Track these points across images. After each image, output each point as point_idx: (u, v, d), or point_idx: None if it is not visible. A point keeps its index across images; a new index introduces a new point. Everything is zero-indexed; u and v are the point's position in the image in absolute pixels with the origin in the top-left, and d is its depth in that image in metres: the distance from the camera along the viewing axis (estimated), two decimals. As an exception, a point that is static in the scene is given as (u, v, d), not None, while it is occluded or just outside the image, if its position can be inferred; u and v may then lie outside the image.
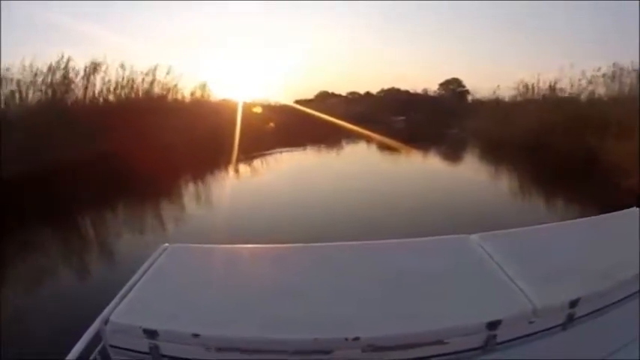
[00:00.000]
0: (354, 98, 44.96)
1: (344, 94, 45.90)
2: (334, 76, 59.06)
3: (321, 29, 56.30)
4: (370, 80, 59.75)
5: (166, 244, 1.56)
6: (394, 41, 57.38)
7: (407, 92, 41.73)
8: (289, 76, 42.25)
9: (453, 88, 44.72)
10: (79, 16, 32.09)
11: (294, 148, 19.59)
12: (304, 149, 20.36)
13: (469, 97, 43.55)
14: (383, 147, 21.05)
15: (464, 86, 44.42)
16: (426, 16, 56.65)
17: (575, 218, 2.11)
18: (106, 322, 1.12)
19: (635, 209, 1.89)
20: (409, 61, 56.93)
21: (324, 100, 39.88)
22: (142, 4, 41.13)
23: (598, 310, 1.27)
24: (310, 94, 40.43)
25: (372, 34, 57.28)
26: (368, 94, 46.46)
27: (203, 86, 21.62)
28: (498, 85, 24.28)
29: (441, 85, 45.21)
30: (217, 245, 1.63)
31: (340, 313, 1.13)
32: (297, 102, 31.35)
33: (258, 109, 24.56)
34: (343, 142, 23.33)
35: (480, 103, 29.22)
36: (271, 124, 23.62)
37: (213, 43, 45.47)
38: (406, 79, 60.80)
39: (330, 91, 43.31)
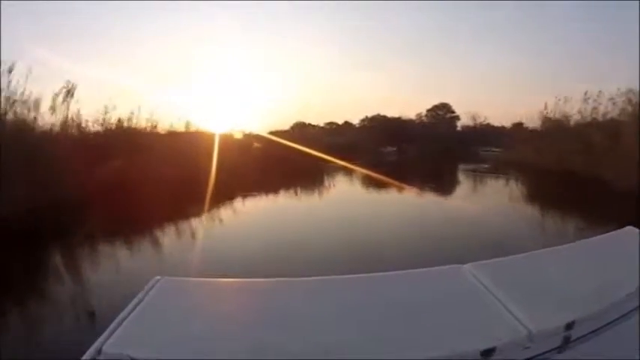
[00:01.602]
0: (332, 129, 40.44)
1: (321, 124, 41.16)
2: (309, 105, 54.37)
3: (293, 57, 52.27)
4: (349, 109, 55.48)
5: (158, 277, 1.48)
6: (373, 66, 53.57)
7: (398, 119, 37.20)
8: (261, 107, 37.67)
9: (442, 114, 40.85)
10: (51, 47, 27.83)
11: (266, 192, 14.73)
12: (277, 193, 15.29)
13: (458, 124, 40.45)
14: (375, 185, 16.93)
15: (453, 112, 40.86)
16: (405, 38, 53.24)
17: None
18: (98, 352, 1.08)
19: (630, 228, 1.87)
20: (391, 87, 53.11)
21: (301, 130, 35.10)
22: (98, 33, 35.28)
23: (595, 330, 1.25)
24: (284, 125, 35.45)
25: (347, 61, 53.21)
26: (347, 123, 42.17)
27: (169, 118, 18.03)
28: (547, 103, 19.36)
29: (429, 110, 41.44)
30: (209, 278, 1.59)
31: (333, 345, 1.11)
32: (272, 133, 26.50)
33: (239, 135, 21.92)
34: (325, 180, 19.03)
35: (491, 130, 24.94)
36: (256, 145, 21.05)
37: (179, 74, 40.55)
38: (391, 105, 56.44)
39: (306, 121, 38.50)
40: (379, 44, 53.34)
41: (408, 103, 58.83)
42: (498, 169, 19.31)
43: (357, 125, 41.21)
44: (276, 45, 51.84)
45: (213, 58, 42.48)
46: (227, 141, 19.21)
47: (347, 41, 53.18)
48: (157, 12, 39.85)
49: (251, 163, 18.14)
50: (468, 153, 27.76)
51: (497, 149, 31.37)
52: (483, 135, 33.65)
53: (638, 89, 13.95)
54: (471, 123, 38.04)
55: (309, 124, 38.75)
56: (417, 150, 29.15)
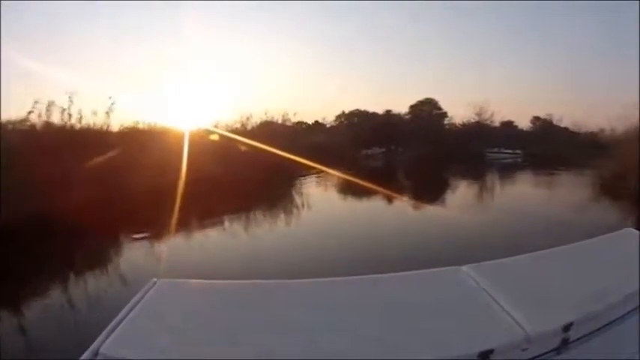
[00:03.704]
0: (301, 129, 34.97)
1: (289, 123, 35.72)
2: (275, 104, 48.57)
3: (258, 52, 46.80)
4: (318, 107, 49.95)
5: (155, 279, 1.46)
6: (349, 63, 48.60)
7: (386, 114, 31.45)
8: (222, 104, 32.62)
9: (428, 111, 35.89)
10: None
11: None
12: (221, 221, 9.73)
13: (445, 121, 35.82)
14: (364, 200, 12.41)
15: (440, 108, 35.90)
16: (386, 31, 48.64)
17: None
18: (95, 354, 1.08)
19: (629, 230, 1.89)
20: (366, 82, 48.12)
21: (269, 130, 29.44)
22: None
23: (593, 332, 1.26)
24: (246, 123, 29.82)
25: (320, 56, 48.06)
26: (318, 123, 36.69)
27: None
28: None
29: (413, 107, 36.07)
30: (207, 280, 1.57)
31: (332, 348, 1.11)
32: (234, 132, 20.94)
33: (215, 136, 17.74)
34: (295, 196, 13.97)
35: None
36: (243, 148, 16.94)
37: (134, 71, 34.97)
38: (367, 102, 51.51)
39: (273, 119, 32.88)
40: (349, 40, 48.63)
41: (386, 99, 54.39)
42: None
43: (333, 123, 35.85)
44: (237, 41, 46.45)
45: (173, 55, 39.00)
46: (202, 142, 15.63)
47: (312, 37, 48.26)
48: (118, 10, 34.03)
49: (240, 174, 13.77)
50: (477, 157, 23.07)
51: (507, 151, 26.91)
52: (482, 134, 29.10)
53: None
54: (469, 120, 33.56)
55: (277, 123, 33.32)
56: (411, 152, 23.77)
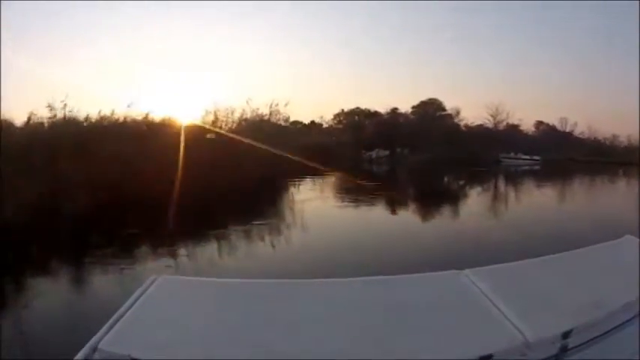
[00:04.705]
0: (297, 129, 33.00)
1: (284, 123, 34.01)
2: (270, 103, 47.04)
3: (252, 51, 46.37)
4: (318, 106, 48.13)
5: (155, 276, 1.47)
6: (346, 62, 47.04)
7: (392, 112, 28.98)
8: (208, 103, 31.21)
9: (432, 111, 33.82)
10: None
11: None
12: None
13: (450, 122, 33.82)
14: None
15: (445, 109, 33.82)
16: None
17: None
18: (94, 349, 1.08)
19: (630, 237, 1.87)
20: (369, 82, 46.28)
21: (262, 128, 27.11)
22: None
23: (592, 339, 1.23)
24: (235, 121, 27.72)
25: (313, 56, 46.69)
26: (314, 123, 34.76)
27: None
28: None
29: (416, 107, 34.13)
30: (207, 278, 1.59)
31: (332, 349, 1.09)
32: (228, 131, 18.50)
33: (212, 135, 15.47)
34: (287, 208, 12.01)
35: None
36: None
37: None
38: (372, 101, 49.90)
39: (262, 114, 30.93)
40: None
41: (387, 100, 52.79)
42: None
43: (331, 123, 34.02)
44: (229, 40, 45.87)
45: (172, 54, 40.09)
46: (187, 142, 12.93)
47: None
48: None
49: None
50: (492, 162, 21.13)
51: (524, 156, 24.74)
52: (496, 137, 27.18)
53: None
54: (474, 122, 31.70)
55: (270, 121, 31.25)
56: (420, 155, 21.48)
